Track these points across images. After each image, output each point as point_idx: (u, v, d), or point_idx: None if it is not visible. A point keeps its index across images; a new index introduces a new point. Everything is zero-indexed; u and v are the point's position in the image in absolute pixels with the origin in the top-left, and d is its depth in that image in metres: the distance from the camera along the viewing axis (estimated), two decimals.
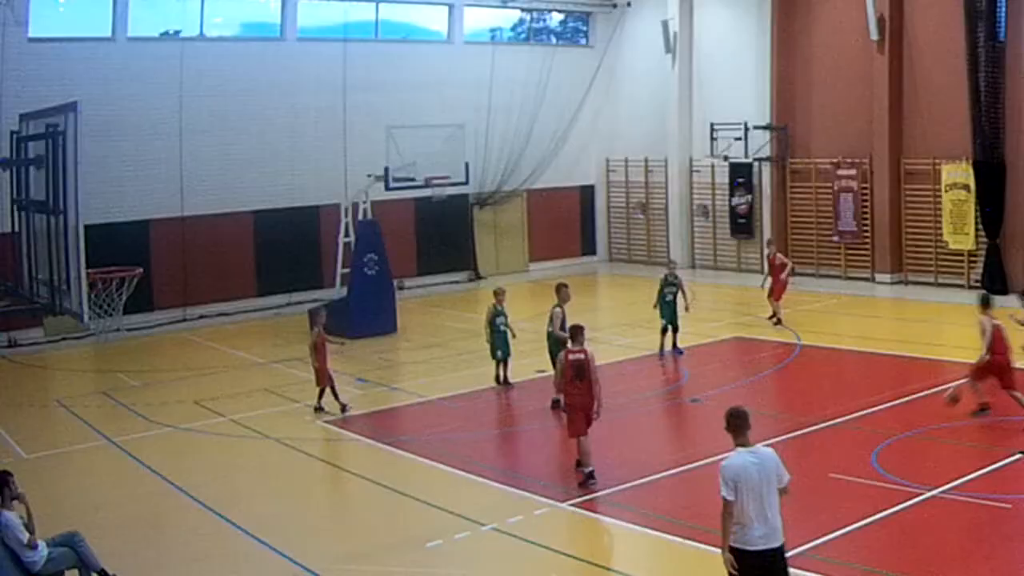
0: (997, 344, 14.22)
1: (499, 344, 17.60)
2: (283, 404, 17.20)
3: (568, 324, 14.38)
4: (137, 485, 13.39)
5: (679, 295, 19.72)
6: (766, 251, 25.24)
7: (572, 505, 11.83)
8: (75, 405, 17.51)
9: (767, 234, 29.40)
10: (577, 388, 12.66)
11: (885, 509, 10.94)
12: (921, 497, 11.24)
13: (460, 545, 10.65)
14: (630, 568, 10.16)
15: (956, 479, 11.69)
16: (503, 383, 17.68)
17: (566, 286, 16.90)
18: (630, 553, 10.73)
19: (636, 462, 13.34)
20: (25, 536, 9.31)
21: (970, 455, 12.81)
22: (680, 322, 19.74)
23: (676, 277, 19.83)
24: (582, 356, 12.66)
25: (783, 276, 22.57)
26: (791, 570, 8.29)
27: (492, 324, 17.64)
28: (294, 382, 18.58)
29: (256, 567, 10.66)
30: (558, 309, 16.23)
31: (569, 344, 12.89)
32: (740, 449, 8.01)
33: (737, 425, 8.04)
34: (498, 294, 18.03)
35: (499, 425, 16.25)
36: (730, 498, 7.85)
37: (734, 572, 7.96)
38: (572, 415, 12.79)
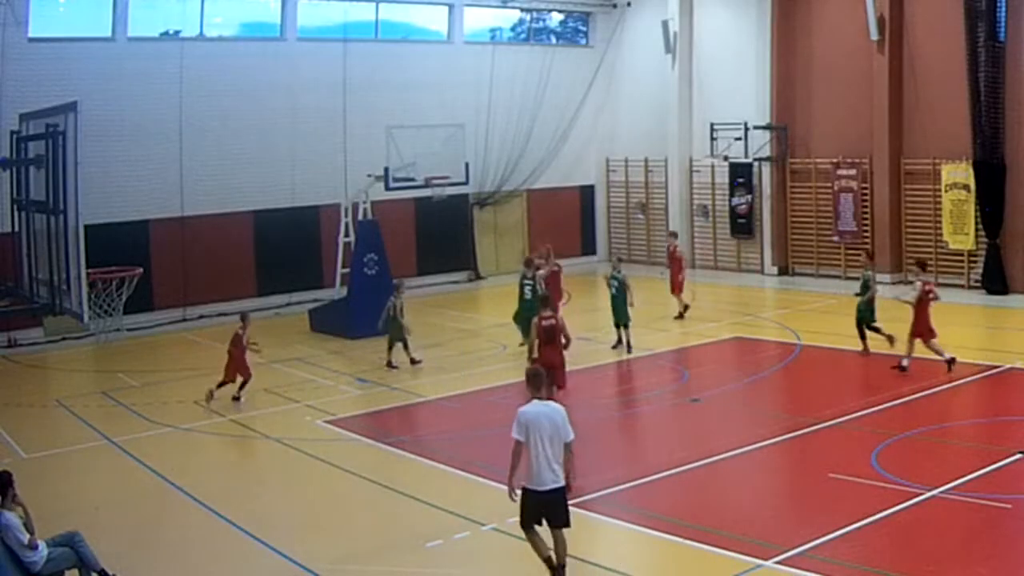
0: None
1: (400, 332, 19.26)
2: (283, 404, 17.20)
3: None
4: (137, 485, 13.39)
5: (627, 292, 19.95)
6: (671, 242, 24.45)
7: (572, 505, 11.79)
8: (75, 405, 17.51)
9: (767, 235, 29.46)
10: (547, 350, 14.84)
11: (885, 509, 10.93)
12: (921, 497, 11.23)
13: (460, 545, 10.65)
14: (630, 568, 10.16)
15: (956, 479, 11.68)
16: (415, 361, 19.41)
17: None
18: (630, 553, 10.73)
19: (636, 462, 13.36)
20: (25, 537, 9.31)
21: (970, 455, 12.82)
22: (626, 319, 19.92)
23: (619, 272, 20.10)
24: (553, 321, 14.98)
25: (680, 275, 22.60)
26: None
27: (401, 314, 19.29)
28: (294, 382, 18.59)
29: (256, 567, 10.66)
30: (541, 272, 19.92)
31: (540, 312, 15.10)
32: (536, 401, 9.44)
33: (535, 383, 9.56)
34: (400, 287, 19.77)
35: (499, 425, 16.20)
36: (520, 439, 9.27)
37: (513, 499, 9.42)
38: None
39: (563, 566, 9.46)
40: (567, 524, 9.47)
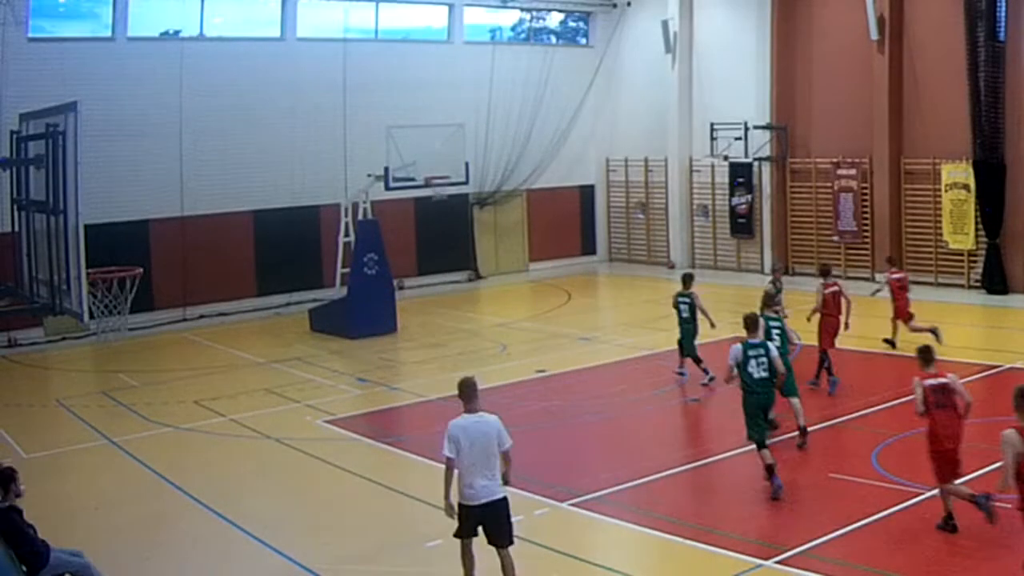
0: None
1: None
2: (283, 404, 17.21)
3: None
4: (137, 485, 13.39)
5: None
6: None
7: (572, 505, 11.83)
8: (75, 405, 17.51)
9: (767, 234, 29.43)
10: None
11: (885, 509, 10.95)
12: (921, 497, 11.23)
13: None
14: (630, 568, 10.16)
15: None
16: None
17: None
18: (630, 553, 10.73)
19: (636, 462, 13.35)
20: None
21: (970, 455, 12.78)
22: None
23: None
24: None
25: None
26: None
27: None
28: (294, 382, 18.60)
29: (256, 567, 10.66)
30: None
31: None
32: (466, 414, 9.18)
33: (467, 394, 9.26)
34: None
35: None
36: (451, 456, 9.03)
37: (451, 517, 9.14)
38: None
39: None
40: (510, 542, 9.24)
